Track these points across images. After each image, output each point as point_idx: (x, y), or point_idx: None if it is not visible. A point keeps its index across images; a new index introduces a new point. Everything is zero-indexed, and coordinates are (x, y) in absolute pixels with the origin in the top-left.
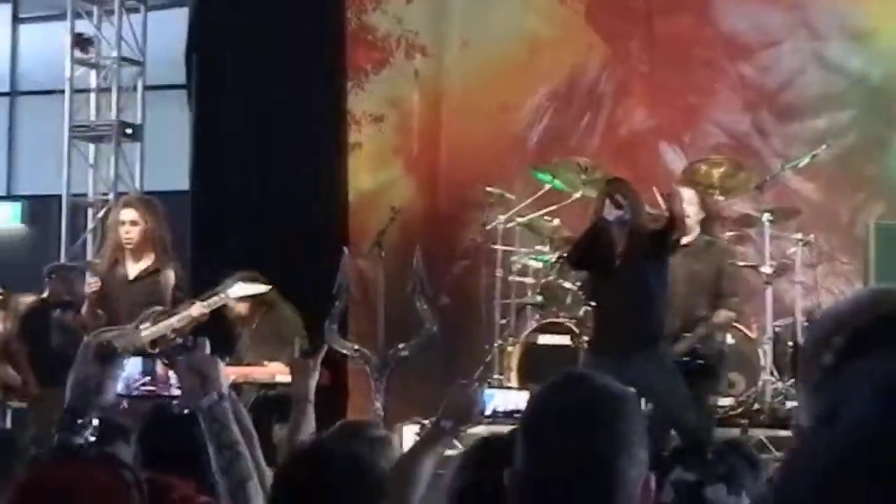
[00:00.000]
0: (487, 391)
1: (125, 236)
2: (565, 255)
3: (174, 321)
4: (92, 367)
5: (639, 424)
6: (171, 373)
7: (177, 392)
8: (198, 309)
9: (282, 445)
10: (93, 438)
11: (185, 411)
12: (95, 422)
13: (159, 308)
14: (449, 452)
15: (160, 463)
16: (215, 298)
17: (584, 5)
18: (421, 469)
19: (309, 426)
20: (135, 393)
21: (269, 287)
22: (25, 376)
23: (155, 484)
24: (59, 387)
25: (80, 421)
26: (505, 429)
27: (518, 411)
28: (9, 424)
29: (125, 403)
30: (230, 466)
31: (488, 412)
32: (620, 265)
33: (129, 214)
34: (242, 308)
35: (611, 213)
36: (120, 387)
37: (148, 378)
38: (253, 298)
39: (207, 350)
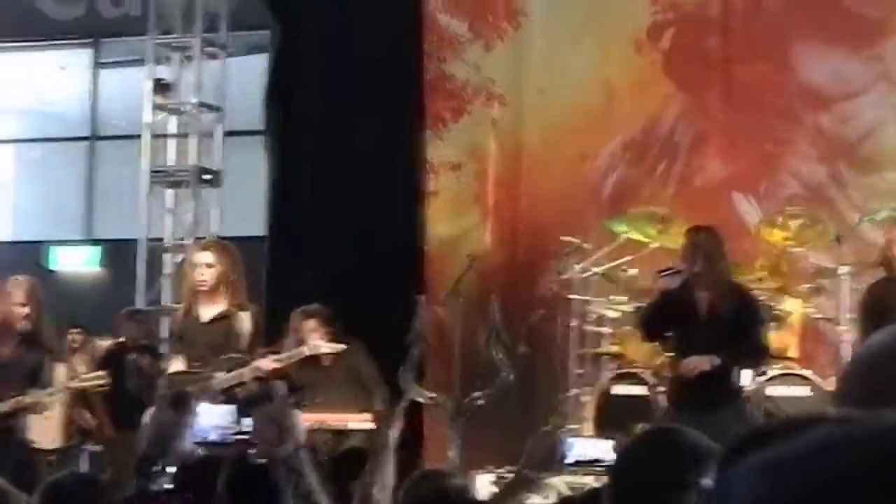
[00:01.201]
0: (569, 440)
1: (199, 278)
2: (641, 330)
3: (246, 373)
4: (168, 415)
5: None
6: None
7: (255, 440)
8: (269, 363)
9: (358, 494)
10: (169, 486)
11: (263, 460)
12: (171, 469)
13: (235, 355)
14: (531, 502)
15: None
16: (288, 354)
17: (661, 54)
18: None
19: (388, 476)
20: (215, 440)
21: (344, 346)
22: (101, 419)
23: None
24: (134, 430)
25: (155, 468)
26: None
27: (599, 461)
28: (85, 467)
29: (201, 451)
30: None
31: (569, 461)
32: (706, 317)
33: (204, 257)
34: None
35: (673, 282)
36: (199, 434)
37: (229, 426)
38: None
39: (284, 400)
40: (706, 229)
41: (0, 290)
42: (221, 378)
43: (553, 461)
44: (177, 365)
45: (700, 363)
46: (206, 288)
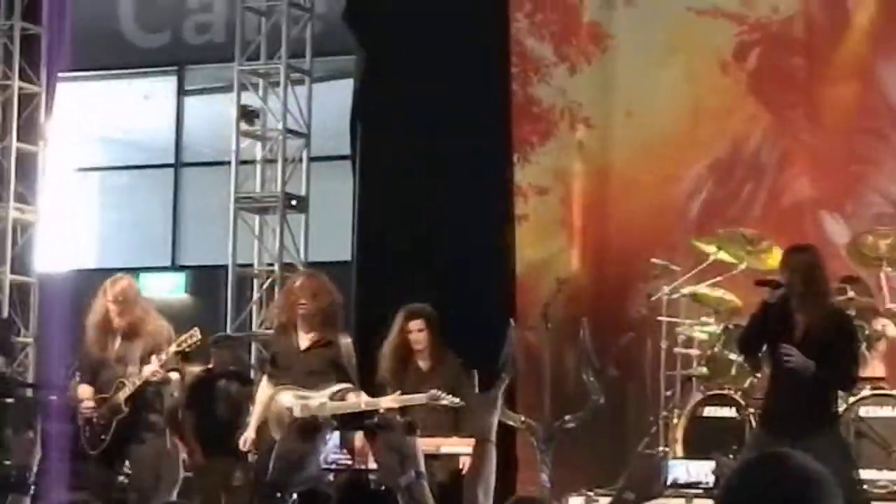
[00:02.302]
0: (670, 462)
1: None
2: (738, 345)
3: (363, 405)
4: (296, 442)
5: None
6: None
7: (372, 466)
8: (387, 403)
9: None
10: None
11: (382, 487)
12: (294, 496)
13: (349, 386)
14: None
15: None
16: (409, 398)
17: (747, 75)
18: None
19: (491, 467)
20: (332, 466)
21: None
22: (191, 446)
23: None
24: (224, 456)
25: (278, 494)
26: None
27: (697, 483)
28: (174, 495)
29: (331, 477)
30: None
31: (669, 483)
32: (801, 339)
33: (304, 291)
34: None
35: (772, 297)
36: (328, 461)
37: (345, 451)
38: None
39: (405, 429)
40: (805, 249)
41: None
42: (334, 405)
43: (655, 484)
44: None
45: (798, 358)
46: (306, 313)
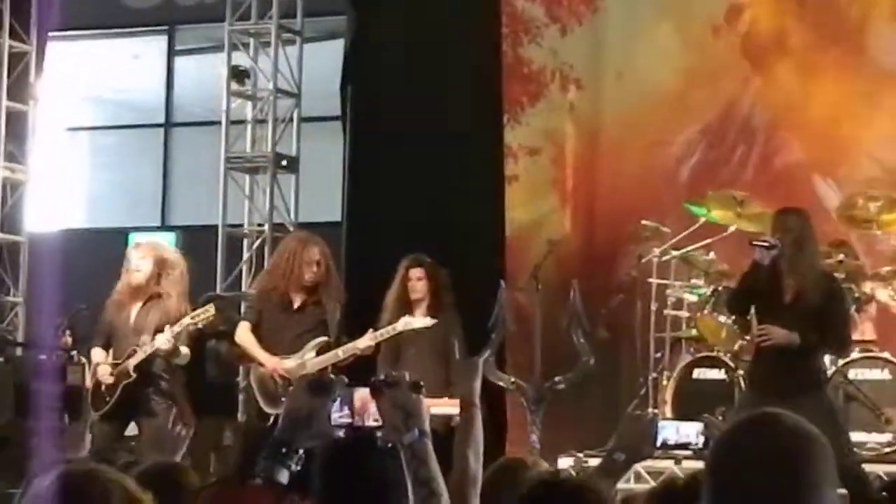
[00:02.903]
0: (661, 423)
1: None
2: (727, 305)
3: (339, 353)
4: (304, 399)
5: (830, 466)
6: (369, 405)
7: (372, 424)
8: (365, 342)
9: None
10: (297, 468)
11: (389, 445)
12: (301, 452)
13: (323, 339)
14: (622, 485)
15: (341, 496)
16: (385, 331)
17: (740, 38)
18: None
19: (477, 431)
20: (341, 423)
21: (433, 321)
22: (181, 406)
23: None
24: (214, 416)
25: (284, 451)
26: (663, 463)
27: (687, 444)
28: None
29: (342, 435)
30: (424, 503)
31: (659, 444)
32: (791, 302)
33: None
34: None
35: (764, 258)
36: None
37: (345, 409)
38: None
39: (411, 386)
40: (796, 212)
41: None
42: (312, 363)
43: (645, 445)
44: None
45: (778, 336)
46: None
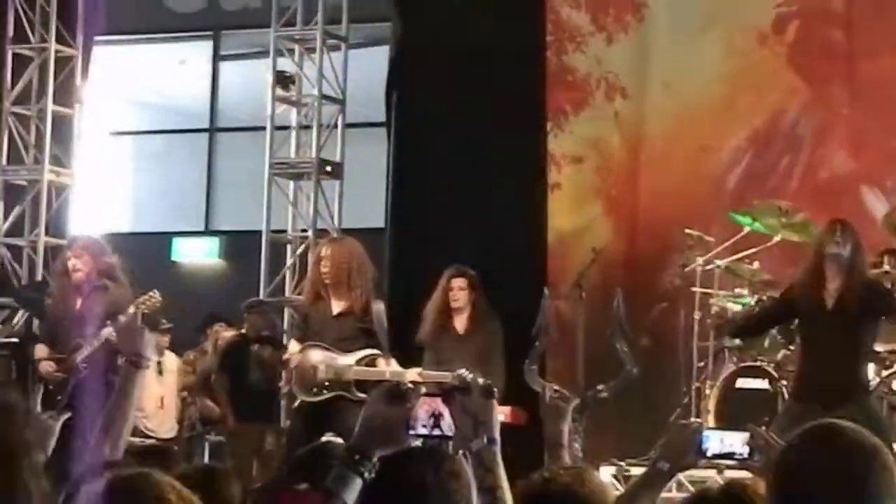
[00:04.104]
0: (706, 432)
1: (323, 271)
2: (775, 311)
3: (387, 374)
4: (380, 407)
5: (892, 477)
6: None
7: (447, 433)
8: (412, 376)
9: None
10: (370, 475)
11: (461, 453)
12: (374, 461)
13: (376, 352)
14: (664, 494)
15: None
16: (432, 374)
17: (786, 47)
18: None
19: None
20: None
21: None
22: (224, 410)
23: None
24: (255, 421)
25: (358, 458)
26: (706, 472)
27: (732, 454)
28: (206, 458)
29: (419, 443)
30: None
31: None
32: (834, 308)
33: (324, 251)
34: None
35: (831, 247)
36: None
37: (421, 418)
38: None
39: (482, 392)
40: (848, 222)
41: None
42: (357, 370)
43: (689, 454)
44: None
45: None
46: (331, 281)
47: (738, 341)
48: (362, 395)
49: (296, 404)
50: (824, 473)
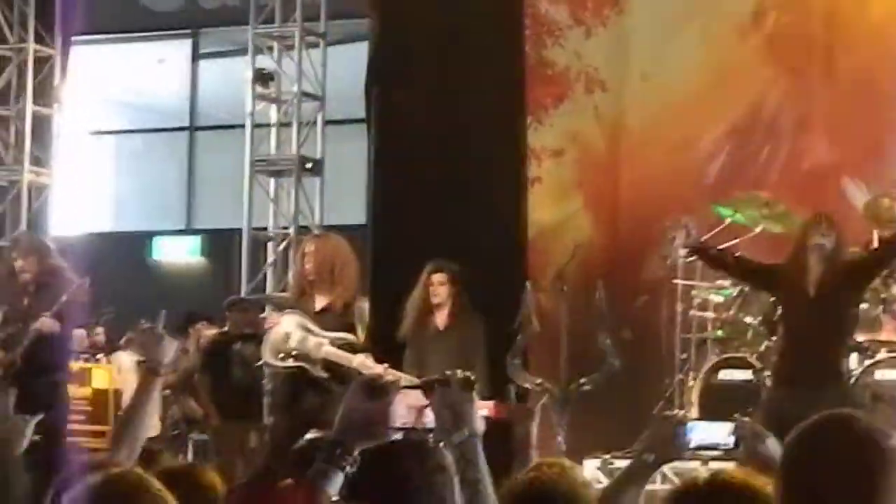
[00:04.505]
0: (690, 424)
1: (307, 267)
2: (757, 270)
3: (355, 363)
4: (360, 401)
5: None
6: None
7: (429, 426)
8: (380, 371)
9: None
10: (352, 469)
11: (441, 444)
12: (356, 454)
13: (352, 338)
14: (649, 487)
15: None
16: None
17: (764, 38)
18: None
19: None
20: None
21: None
22: (206, 409)
23: None
24: (239, 419)
25: (339, 452)
26: (690, 464)
27: (716, 445)
28: (190, 456)
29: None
30: (470, 503)
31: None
32: (816, 294)
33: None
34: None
35: (815, 238)
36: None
37: (402, 411)
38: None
39: (463, 385)
40: (831, 216)
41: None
42: (327, 350)
43: (674, 446)
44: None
45: None
46: (312, 277)
47: (720, 332)
48: (324, 375)
49: (276, 400)
50: (834, 464)
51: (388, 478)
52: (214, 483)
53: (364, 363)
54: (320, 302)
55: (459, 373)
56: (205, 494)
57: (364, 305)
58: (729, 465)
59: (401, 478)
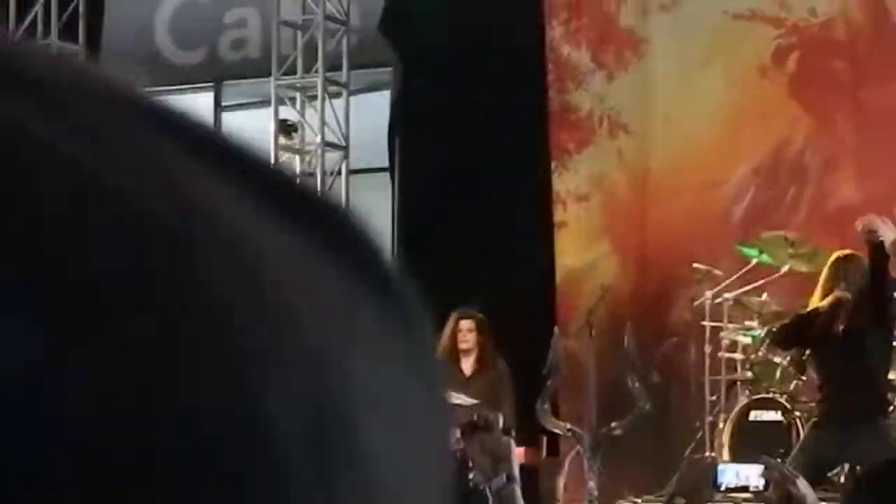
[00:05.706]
0: (720, 466)
1: None
2: (773, 334)
3: None
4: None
5: None
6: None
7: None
8: None
9: None
10: None
11: (480, 487)
12: None
13: None
14: None
15: None
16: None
17: (788, 78)
18: None
19: None
20: None
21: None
22: None
23: None
24: None
25: None
26: None
27: (746, 487)
28: None
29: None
30: None
31: (719, 487)
32: (843, 336)
33: None
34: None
35: (837, 291)
36: None
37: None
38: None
39: (502, 431)
40: (853, 255)
41: None
42: None
43: (705, 488)
44: None
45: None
46: None
47: (749, 373)
48: None
49: None
50: None
51: None
52: None
53: None
54: None
55: (497, 416)
56: None
57: None
58: None
59: None
